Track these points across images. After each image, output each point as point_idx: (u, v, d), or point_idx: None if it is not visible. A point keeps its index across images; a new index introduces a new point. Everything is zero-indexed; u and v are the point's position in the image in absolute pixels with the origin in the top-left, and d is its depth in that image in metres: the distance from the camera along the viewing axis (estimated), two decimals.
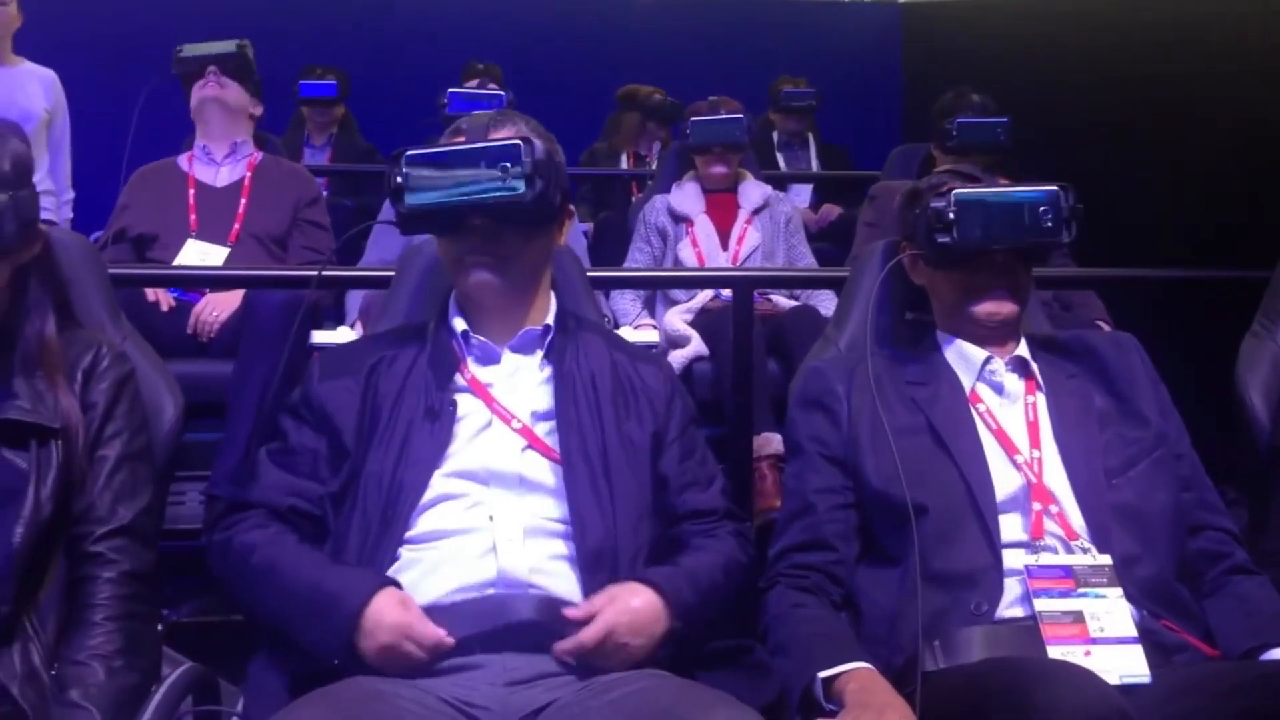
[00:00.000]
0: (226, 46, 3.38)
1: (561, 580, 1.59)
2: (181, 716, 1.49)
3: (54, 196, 4.12)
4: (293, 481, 1.66)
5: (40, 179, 4.06)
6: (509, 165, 1.60)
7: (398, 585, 1.53)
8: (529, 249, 1.70)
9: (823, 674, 1.56)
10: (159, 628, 1.67)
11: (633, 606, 1.53)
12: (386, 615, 1.48)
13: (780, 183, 5.14)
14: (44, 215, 3.81)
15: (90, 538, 1.57)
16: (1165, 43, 4.35)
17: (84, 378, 1.63)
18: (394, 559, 1.59)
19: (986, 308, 1.81)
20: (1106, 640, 1.59)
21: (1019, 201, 1.79)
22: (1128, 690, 1.51)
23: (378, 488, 1.61)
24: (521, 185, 1.60)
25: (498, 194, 1.60)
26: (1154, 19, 4.49)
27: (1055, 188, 1.80)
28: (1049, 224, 1.79)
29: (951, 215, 1.78)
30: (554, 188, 1.65)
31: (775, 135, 5.66)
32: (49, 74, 4.20)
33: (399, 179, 1.62)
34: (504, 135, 1.67)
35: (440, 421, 1.65)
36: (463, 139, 1.69)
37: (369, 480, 1.62)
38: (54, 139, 4.18)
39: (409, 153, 1.63)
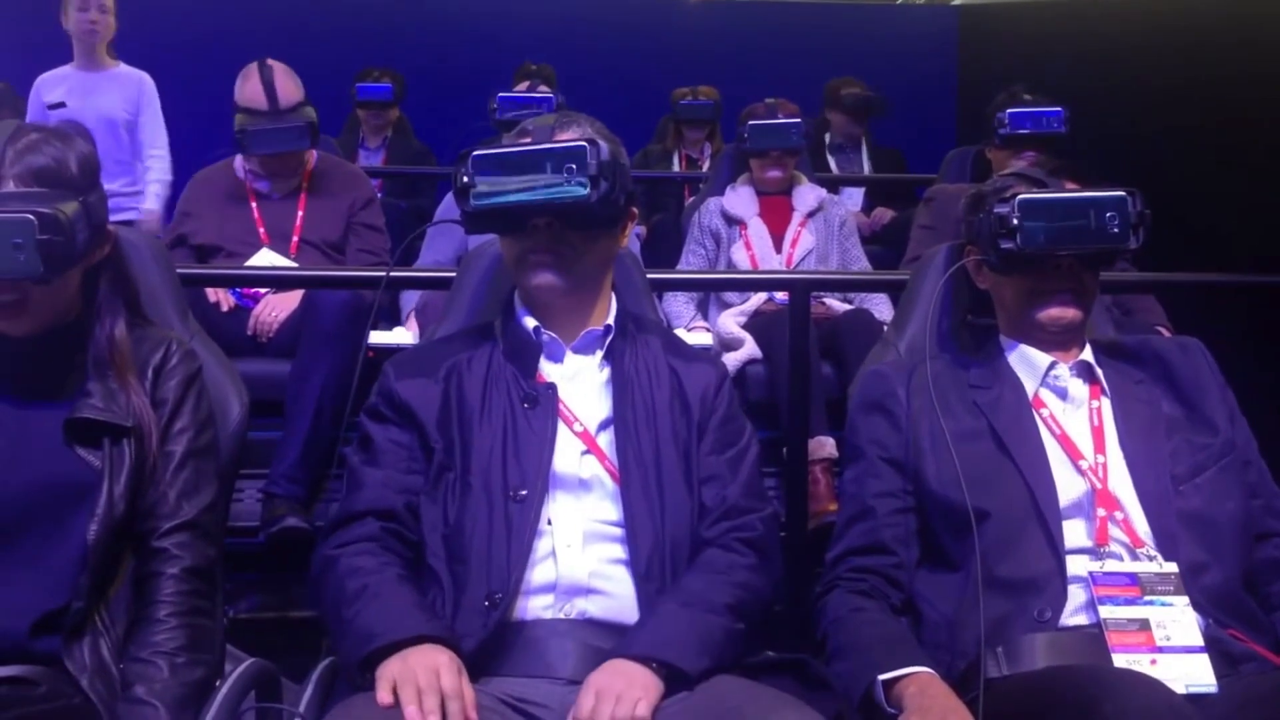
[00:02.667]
0: (299, 130, 3.21)
1: (618, 584, 1.60)
2: (244, 712, 1.50)
3: (138, 196, 4.20)
4: (399, 478, 1.66)
5: (123, 181, 4.16)
6: (574, 167, 1.60)
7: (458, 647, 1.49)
8: (592, 250, 1.71)
9: (883, 677, 1.55)
10: (223, 622, 1.69)
11: (621, 678, 1.46)
12: (441, 656, 1.43)
13: (832, 186, 5.11)
14: (125, 215, 3.83)
15: (155, 533, 1.59)
16: (1231, 43, 4.28)
17: (154, 375, 1.65)
18: (537, 535, 1.59)
19: (1051, 313, 1.79)
20: (1173, 649, 1.57)
21: (1085, 206, 1.76)
22: (1194, 700, 1.49)
23: (489, 477, 1.61)
24: (587, 187, 1.60)
25: (563, 195, 1.61)
26: (1219, 19, 4.42)
27: (1123, 192, 1.77)
28: (1116, 229, 1.75)
29: (1015, 220, 1.75)
30: (618, 189, 1.65)
31: (828, 137, 5.63)
32: (135, 76, 4.26)
33: (465, 179, 1.63)
34: (569, 137, 1.67)
35: (541, 407, 1.66)
36: (529, 140, 1.69)
37: (477, 469, 1.62)
38: (144, 139, 4.25)
39: (475, 153, 1.64)
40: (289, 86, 3.26)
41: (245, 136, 3.21)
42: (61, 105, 4.09)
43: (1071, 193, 1.79)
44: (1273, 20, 4.10)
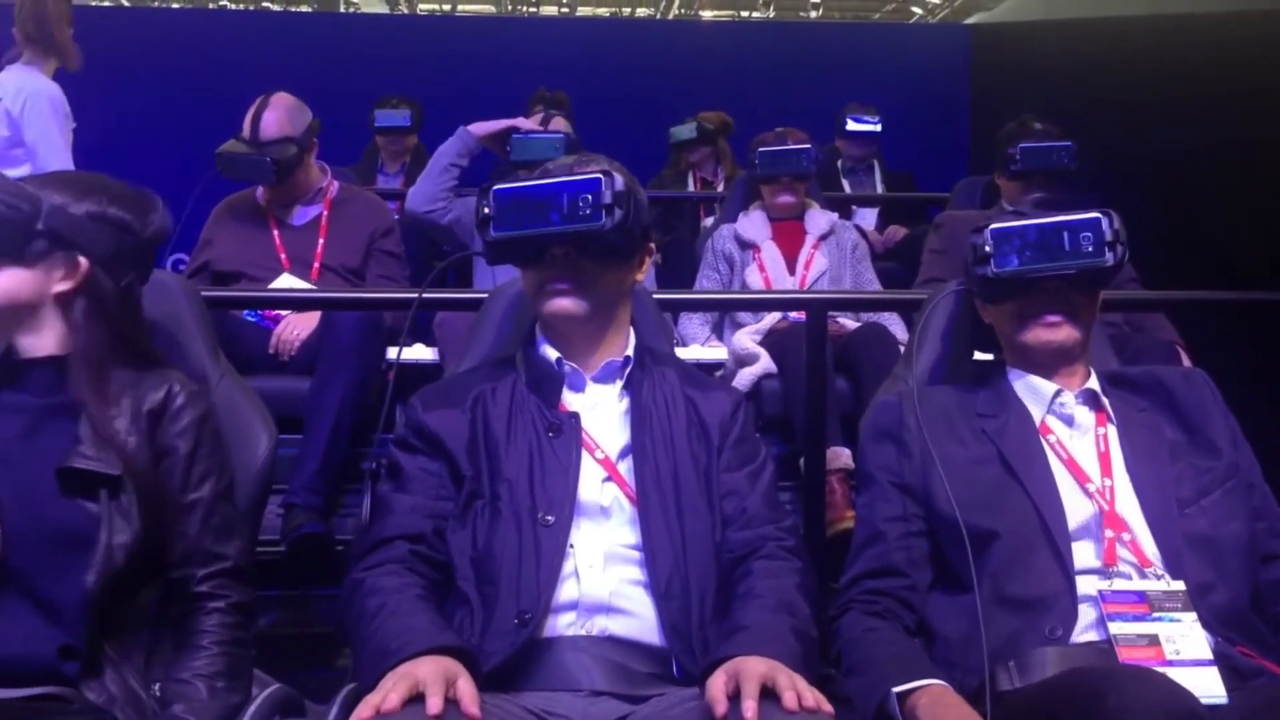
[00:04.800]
0: (262, 165, 3.26)
1: (638, 604, 1.64)
2: None
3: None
4: (428, 504, 1.71)
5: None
6: (590, 197, 1.68)
7: (473, 659, 1.49)
8: (607, 278, 1.77)
9: (896, 689, 1.57)
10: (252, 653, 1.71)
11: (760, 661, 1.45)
12: (428, 665, 1.40)
13: (845, 205, 5.14)
14: None
15: (194, 579, 1.62)
16: (1244, 60, 4.27)
17: (152, 418, 1.62)
18: (565, 557, 1.63)
19: (1038, 334, 1.83)
20: (1182, 662, 1.59)
21: (1058, 229, 1.81)
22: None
23: (517, 502, 1.66)
24: (601, 216, 1.68)
25: (578, 225, 1.69)
26: (1232, 37, 4.41)
27: (1097, 214, 1.81)
28: (1090, 248, 1.79)
29: (988, 248, 1.82)
30: (634, 220, 1.72)
31: (840, 163, 5.66)
32: None
33: (486, 211, 1.72)
34: (587, 172, 1.74)
35: (565, 435, 1.72)
36: (549, 177, 1.75)
37: (505, 495, 1.67)
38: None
39: (496, 187, 1.73)
40: (278, 121, 3.31)
41: (219, 158, 3.31)
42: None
43: (1045, 218, 1.83)
44: None
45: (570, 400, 1.78)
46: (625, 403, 1.78)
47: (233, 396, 1.85)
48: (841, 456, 3.15)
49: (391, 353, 3.07)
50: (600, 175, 1.70)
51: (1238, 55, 4.33)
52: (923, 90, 6.95)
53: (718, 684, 1.41)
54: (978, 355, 1.98)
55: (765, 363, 3.37)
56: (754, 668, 1.41)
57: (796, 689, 1.38)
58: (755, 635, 1.52)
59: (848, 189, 5.53)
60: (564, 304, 1.74)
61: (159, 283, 1.80)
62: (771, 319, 3.57)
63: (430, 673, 1.38)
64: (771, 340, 3.47)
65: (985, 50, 7.48)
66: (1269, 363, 3.13)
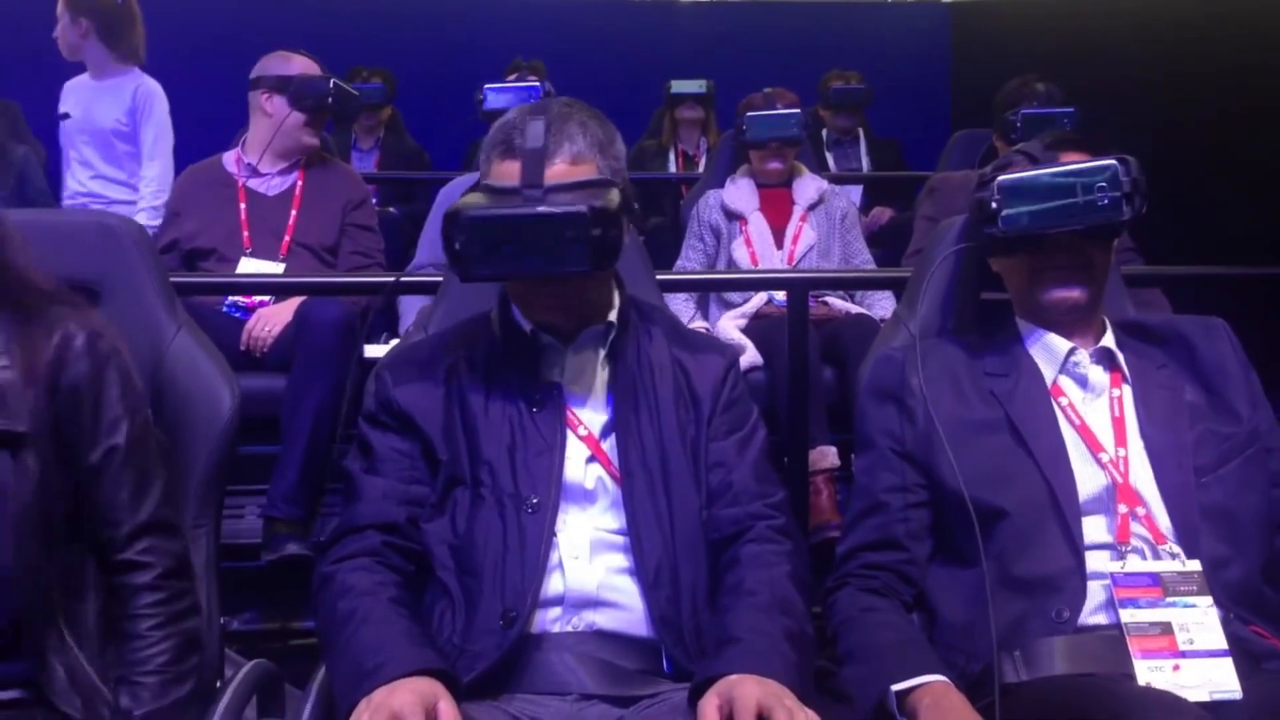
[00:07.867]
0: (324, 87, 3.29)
1: (627, 595, 1.55)
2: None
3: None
4: (400, 488, 1.60)
5: (121, 192, 4.06)
6: (573, 234, 1.50)
7: (454, 680, 1.40)
8: (598, 284, 1.66)
9: (896, 687, 1.49)
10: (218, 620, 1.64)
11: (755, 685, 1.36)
12: (427, 687, 1.34)
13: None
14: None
15: (115, 545, 1.49)
16: (1223, 36, 4.26)
17: (51, 369, 1.47)
18: (551, 547, 1.54)
19: (1056, 294, 1.72)
20: (1196, 653, 1.53)
21: (1070, 181, 1.67)
22: (1217, 706, 1.47)
23: (499, 486, 1.56)
24: (587, 262, 1.51)
25: (566, 270, 1.53)
26: (1210, 11, 4.40)
27: (1112, 162, 1.67)
28: (1105, 202, 1.66)
29: (995, 204, 1.68)
30: (625, 224, 1.56)
31: (825, 133, 5.58)
32: (132, 85, 4.08)
33: (457, 246, 1.53)
34: (563, 167, 1.57)
35: (547, 410, 1.60)
36: (516, 167, 1.57)
37: (486, 477, 1.56)
38: (143, 154, 4.06)
39: (468, 214, 1.52)
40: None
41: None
42: (67, 116, 4.02)
43: (1055, 168, 1.70)
44: (1266, 12, 4.07)
45: (550, 372, 1.66)
46: (607, 372, 1.66)
47: (191, 353, 1.76)
48: (828, 456, 3.04)
49: (367, 350, 2.96)
50: (585, 211, 1.49)
51: (1218, 30, 4.33)
52: (903, 69, 6.91)
53: (710, 709, 1.32)
54: (986, 295, 1.85)
55: (751, 355, 3.22)
56: (750, 692, 1.32)
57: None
58: (748, 650, 1.42)
59: (832, 163, 5.45)
60: (551, 313, 1.63)
61: (104, 228, 1.68)
62: (758, 300, 3.45)
63: (407, 703, 1.30)
64: (758, 327, 3.36)
65: (965, 28, 7.45)
66: (1263, 339, 3.08)
